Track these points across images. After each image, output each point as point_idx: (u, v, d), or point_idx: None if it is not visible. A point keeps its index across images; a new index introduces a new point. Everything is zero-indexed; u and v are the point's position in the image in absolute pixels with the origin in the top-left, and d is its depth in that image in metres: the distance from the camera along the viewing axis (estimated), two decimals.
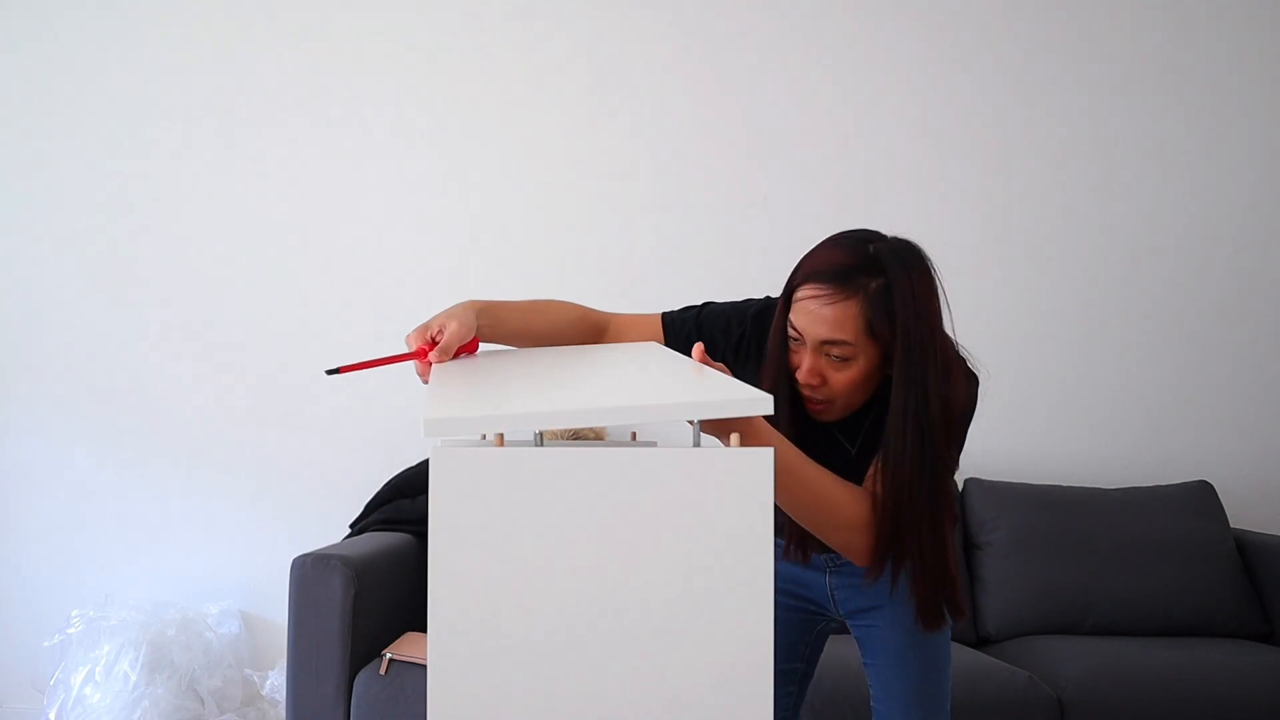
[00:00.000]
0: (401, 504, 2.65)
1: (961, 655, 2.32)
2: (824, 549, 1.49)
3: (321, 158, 3.01)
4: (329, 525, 2.85)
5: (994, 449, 3.00)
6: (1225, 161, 3.10)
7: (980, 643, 2.64)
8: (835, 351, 1.26)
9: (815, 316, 1.26)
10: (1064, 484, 2.91)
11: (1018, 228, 3.07)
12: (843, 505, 1.24)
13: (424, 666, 2.16)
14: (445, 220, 3.02)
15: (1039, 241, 3.07)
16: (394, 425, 2.89)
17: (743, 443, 0.98)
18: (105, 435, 2.95)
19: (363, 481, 2.79)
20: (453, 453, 0.89)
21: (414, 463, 2.76)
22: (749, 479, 0.92)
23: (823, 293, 1.25)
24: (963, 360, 1.37)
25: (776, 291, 1.39)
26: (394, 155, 3.02)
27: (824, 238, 1.34)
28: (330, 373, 1.21)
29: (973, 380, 1.38)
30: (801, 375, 1.29)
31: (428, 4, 3.03)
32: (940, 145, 3.07)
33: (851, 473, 1.32)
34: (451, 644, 0.89)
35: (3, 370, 2.96)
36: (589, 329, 1.45)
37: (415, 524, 2.60)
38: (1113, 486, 2.90)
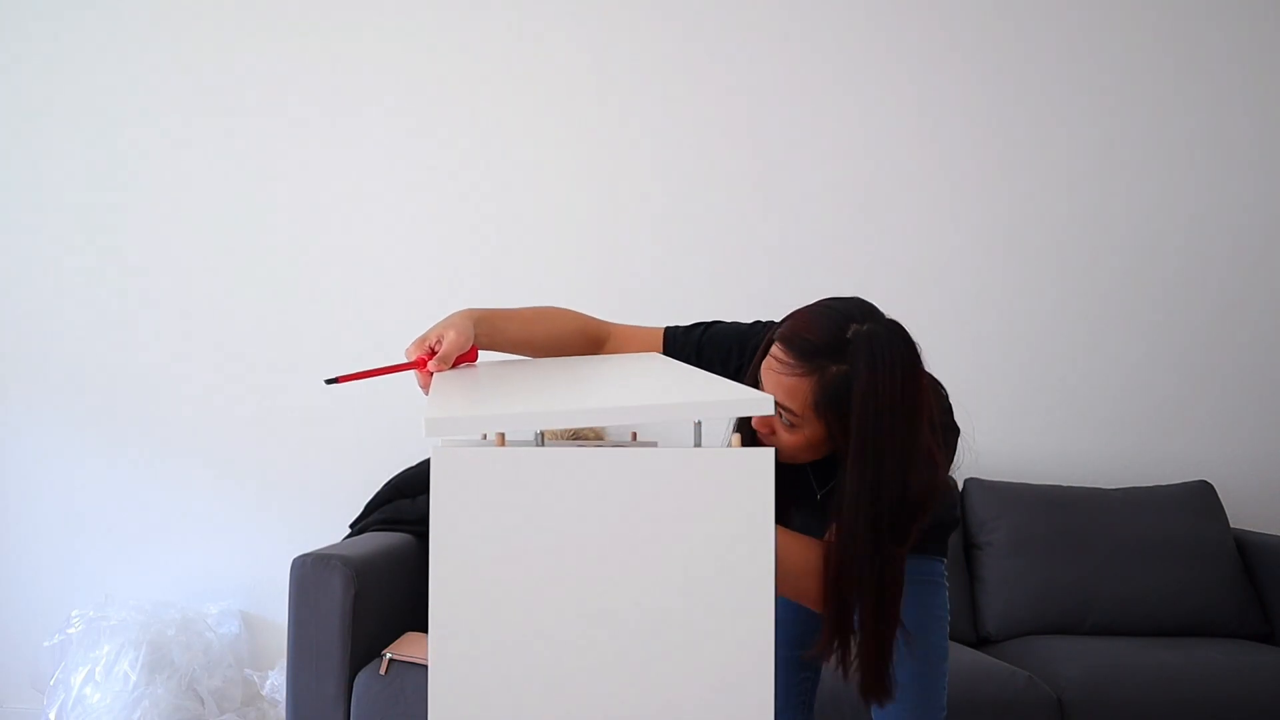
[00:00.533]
0: (401, 504, 2.65)
1: (961, 655, 2.32)
2: None
3: (323, 159, 3.00)
4: (329, 525, 2.85)
5: (994, 449, 3.00)
6: (1225, 162, 3.10)
7: (980, 643, 2.65)
8: (785, 415, 1.26)
9: (772, 380, 1.26)
10: (1064, 484, 2.91)
11: (1018, 228, 3.07)
12: (796, 564, 1.27)
13: (424, 666, 2.16)
14: (446, 221, 3.02)
15: (1039, 242, 3.07)
16: (394, 425, 2.89)
17: None
18: (105, 435, 2.95)
19: (363, 481, 2.79)
20: (453, 453, 0.89)
21: (414, 463, 2.76)
22: (749, 479, 0.92)
23: (785, 360, 1.25)
24: (937, 450, 1.29)
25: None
26: (395, 157, 3.02)
27: (820, 298, 1.32)
28: (329, 382, 1.21)
29: (934, 470, 1.28)
30: (754, 421, 1.30)
31: (428, 5, 3.03)
32: (941, 146, 3.07)
33: (816, 513, 1.34)
34: (452, 644, 0.89)
35: (3, 370, 2.96)
36: (589, 339, 1.44)
37: (415, 524, 2.60)
38: (1113, 486, 2.90)
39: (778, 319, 1.45)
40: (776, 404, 1.24)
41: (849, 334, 1.23)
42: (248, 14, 3.02)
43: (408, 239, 3.00)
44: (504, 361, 1.38)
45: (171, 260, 2.98)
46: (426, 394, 1.18)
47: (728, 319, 1.53)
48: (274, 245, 2.99)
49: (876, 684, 1.30)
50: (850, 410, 1.20)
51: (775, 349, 1.27)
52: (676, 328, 1.48)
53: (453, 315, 1.29)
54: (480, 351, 1.33)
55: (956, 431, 1.42)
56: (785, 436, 1.29)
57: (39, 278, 2.97)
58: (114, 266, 2.98)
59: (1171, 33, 3.11)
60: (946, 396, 1.43)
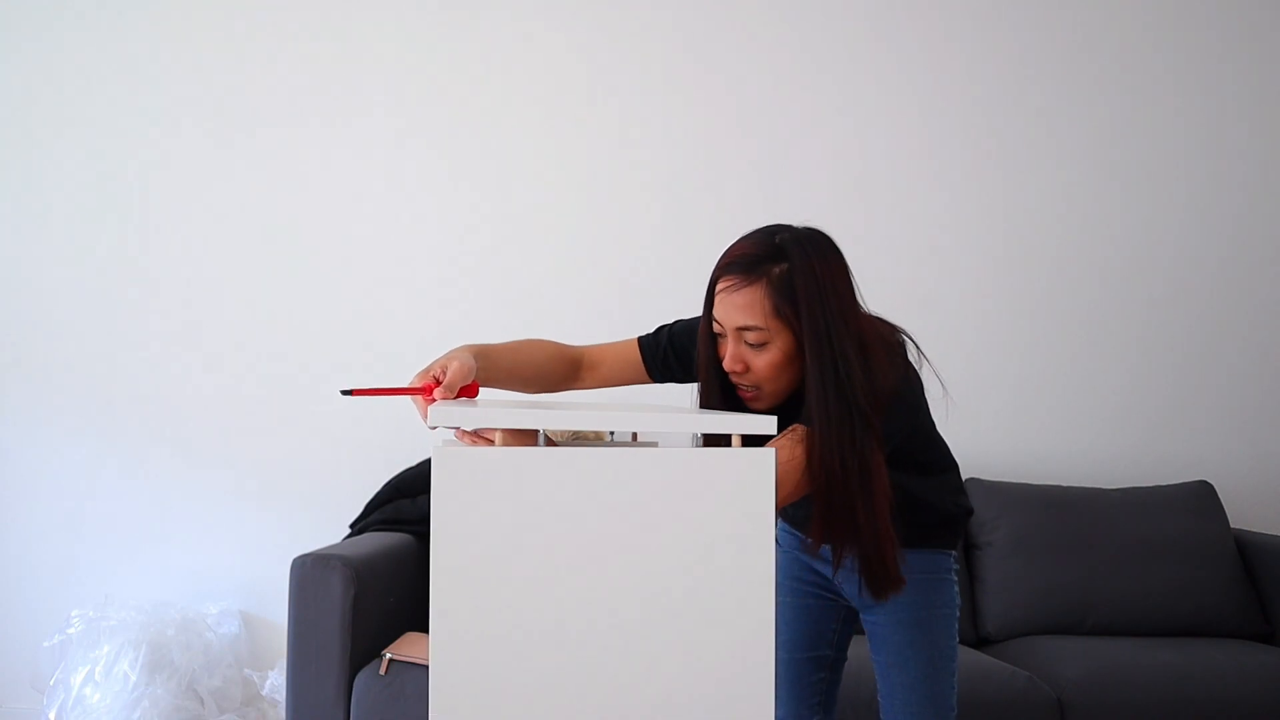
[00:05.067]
0: (401, 504, 2.65)
1: (961, 655, 2.32)
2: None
3: (323, 159, 3.00)
4: (329, 525, 2.85)
5: (994, 449, 3.00)
6: (1225, 162, 3.10)
7: (980, 643, 2.65)
8: (750, 337, 1.33)
9: (728, 305, 1.34)
10: (1064, 484, 2.91)
11: (1018, 228, 3.07)
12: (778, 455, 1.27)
13: (424, 666, 2.16)
14: (446, 222, 3.02)
15: (1039, 242, 3.07)
16: (394, 425, 2.88)
17: None
18: (105, 435, 2.95)
19: (363, 481, 2.79)
20: (454, 453, 0.89)
21: (414, 463, 2.76)
22: (749, 479, 0.92)
23: (732, 282, 1.33)
24: (887, 340, 1.39)
25: None
26: (395, 158, 3.02)
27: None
28: (345, 393, 1.21)
29: (895, 353, 1.39)
30: (726, 363, 1.36)
31: (428, 6, 3.03)
32: (941, 147, 3.07)
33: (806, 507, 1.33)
34: (453, 643, 0.89)
35: (3, 370, 2.96)
36: (566, 362, 1.50)
37: (415, 524, 2.60)
38: (1113, 486, 2.90)
39: None
40: (739, 328, 1.33)
41: (778, 240, 1.34)
42: (247, 18, 3.02)
43: (409, 242, 3.00)
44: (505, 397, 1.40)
45: (172, 261, 2.98)
46: (426, 422, 1.21)
47: None
48: (275, 246, 2.99)
49: (877, 581, 1.33)
50: (800, 302, 1.29)
51: (720, 282, 1.35)
52: (645, 336, 1.55)
53: (455, 349, 1.31)
54: (481, 389, 1.35)
55: (903, 355, 1.43)
56: (757, 362, 1.33)
57: (39, 278, 2.97)
58: (115, 267, 2.98)
59: (1169, 35, 3.11)
60: (902, 333, 1.47)
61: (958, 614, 1.57)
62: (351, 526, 2.69)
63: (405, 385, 1.24)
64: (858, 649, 1.76)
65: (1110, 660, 2.31)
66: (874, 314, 1.43)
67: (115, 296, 2.97)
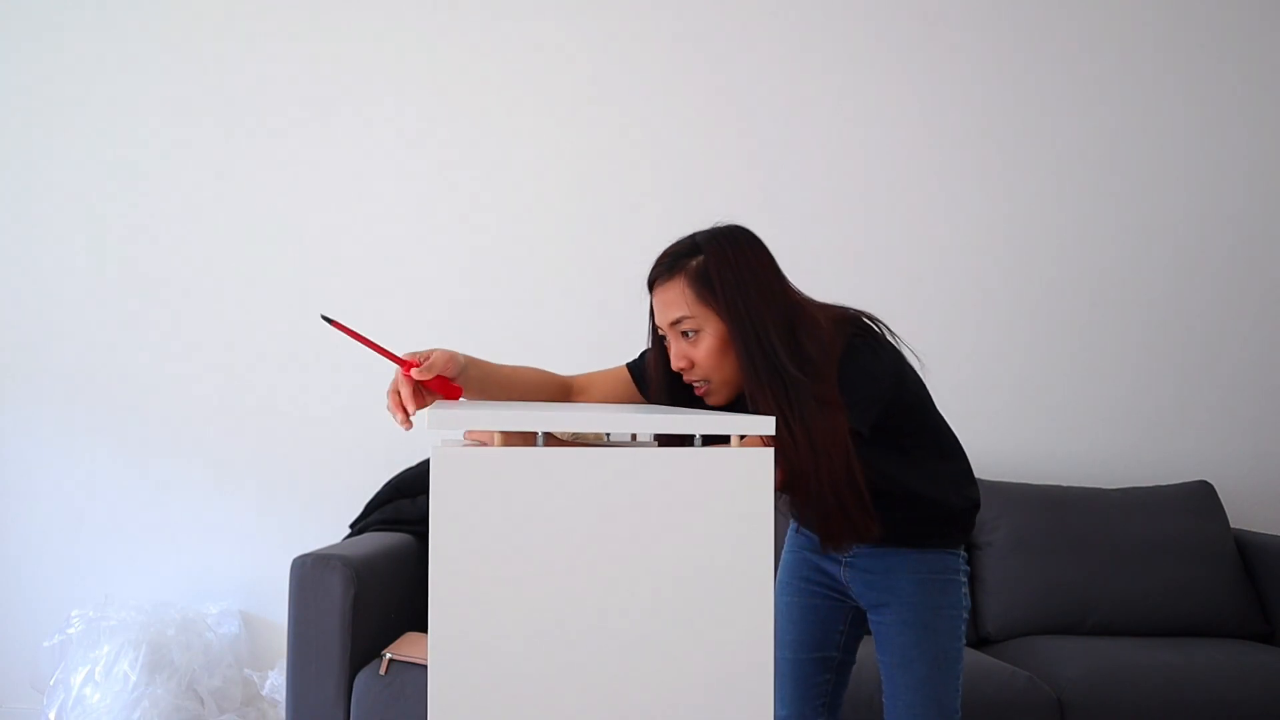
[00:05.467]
0: (401, 504, 2.65)
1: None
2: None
3: (322, 159, 3.01)
4: (329, 525, 2.85)
5: (994, 449, 3.00)
6: (1225, 161, 3.10)
7: (980, 643, 2.64)
8: (684, 327, 1.41)
9: (659, 304, 1.44)
10: (1064, 484, 2.91)
11: (1018, 228, 3.07)
12: None
13: (424, 666, 2.16)
14: (445, 221, 3.02)
15: (1039, 242, 3.07)
16: (394, 425, 2.88)
17: None
18: (105, 435, 2.95)
19: (363, 481, 2.80)
20: (453, 452, 0.89)
21: (414, 463, 2.76)
22: (749, 479, 0.92)
23: (658, 280, 1.44)
24: (836, 315, 1.44)
25: None
26: (394, 156, 3.02)
27: (820, 299, 1.48)
28: (325, 319, 1.28)
29: (846, 326, 1.43)
30: (674, 364, 1.44)
31: (429, 5, 3.03)
32: (940, 148, 3.07)
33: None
34: (452, 644, 0.89)
35: (3, 370, 2.96)
36: (556, 387, 1.54)
37: (415, 524, 2.60)
38: (1113, 486, 2.90)
39: None
40: (673, 324, 1.42)
41: (695, 239, 1.45)
42: (246, 18, 3.02)
43: (408, 241, 3.00)
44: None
45: (172, 261, 2.98)
46: (391, 401, 1.26)
47: None
48: (274, 246, 2.99)
49: (831, 536, 1.41)
50: (716, 287, 1.39)
51: (653, 285, 1.46)
52: (632, 361, 1.60)
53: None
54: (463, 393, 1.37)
55: (861, 328, 1.46)
56: (697, 353, 1.41)
57: (39, 278, 2.97)
58: (115, 267, 2.98)
59: (1168, 33, 3.11)
60: (868, 316, 1.50)
61: (965, 616, 1.55)
62: (351, 526, 2.69)
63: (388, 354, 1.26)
64: (864, 650, 1.76)
65: (1110, 660, 2.30)
66: (829, 303, 1.48)
67: (115, 296, 2.97)
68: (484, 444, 1.03)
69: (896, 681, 1.52)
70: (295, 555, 2.21)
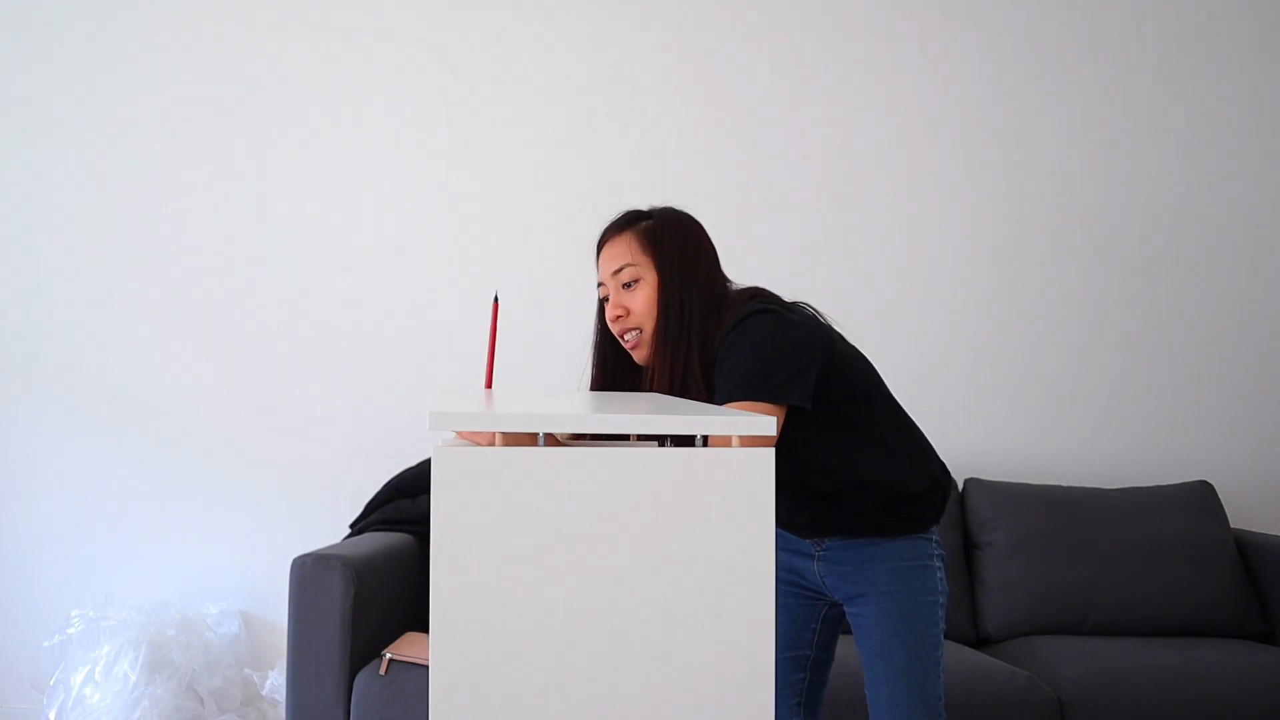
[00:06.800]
0: (401, 504, 2.65)
1: (961, 655, 2.32)
2: (812, 532, 1.58)
3: (322, 157, 3.00)
4: (329, 525, 2.84)
5: (994, 449, 3.00)
6: (1224, 162, 3.10)
7: (980, 643, 2.64)
8: (624, 278, 1.50)
9: (605, 257, 1.55)
10: (1064, 484, 2.90)
11: (1017, 228, 3.07)
12: None
13: (424, 666, 2.16)
14: (445, 220, 3.02)
15: (1039, 242, 3.07)
16: (394, 425, 2.89)
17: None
18: (105, 435, 2.95)
19: (363, 481, 2.79)
20: (454, 452, 0.89)
21: (414, 463, 2.76)
22: (749, 479, 0.92)
23: (609, 236, 1.57)
24: (762, 294, 1.51)
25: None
26: (394, 154, 3.02)
27: (812, 299, 1.55)
28: (496, 300, 1.52)
29: (765, 296, 1.50)
30: (609, 314, 1.52)
31: (427, 7, 3.03)
32: (939, 147, 3.07)
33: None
34: (452, 644, 0.89)
35: (2, 370, 2.96)
36: None
37: (415, 524, 2.59)
38: (1113, 486, 2.90)
39: None
40: (614, 274, 1.52)
41: (645, 209, 1.59)
42: (245, 17, 3.02)
43: (408, 240, 3.00)
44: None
45: (172, 261, 2.98)
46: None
47: None
48: (274, 246, 2.99)
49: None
50: (659, 240, 1.51)
51: (601, 249, 1.57)
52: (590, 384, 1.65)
53: None
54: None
55: (776, 299, 1.52)
56: (634, 301, 1.50)
57: (40, 278, 2.97)
58: (114, 267, 2.98)
59: (1166, 31, 3.11)
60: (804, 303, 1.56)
61: (943, 600, 1.53)
62: (351, 526, 2.69)
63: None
64: (849, 650, 1.75)
65: (1110, 660, 2.31)
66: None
67: (115, 296, 2.97)
68: (477, 443, 1.03)
69: (877, 672, 1.51)
70: (295, 555, 2.21)
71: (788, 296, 1.52)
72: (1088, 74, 3.09)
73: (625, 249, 1.53)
